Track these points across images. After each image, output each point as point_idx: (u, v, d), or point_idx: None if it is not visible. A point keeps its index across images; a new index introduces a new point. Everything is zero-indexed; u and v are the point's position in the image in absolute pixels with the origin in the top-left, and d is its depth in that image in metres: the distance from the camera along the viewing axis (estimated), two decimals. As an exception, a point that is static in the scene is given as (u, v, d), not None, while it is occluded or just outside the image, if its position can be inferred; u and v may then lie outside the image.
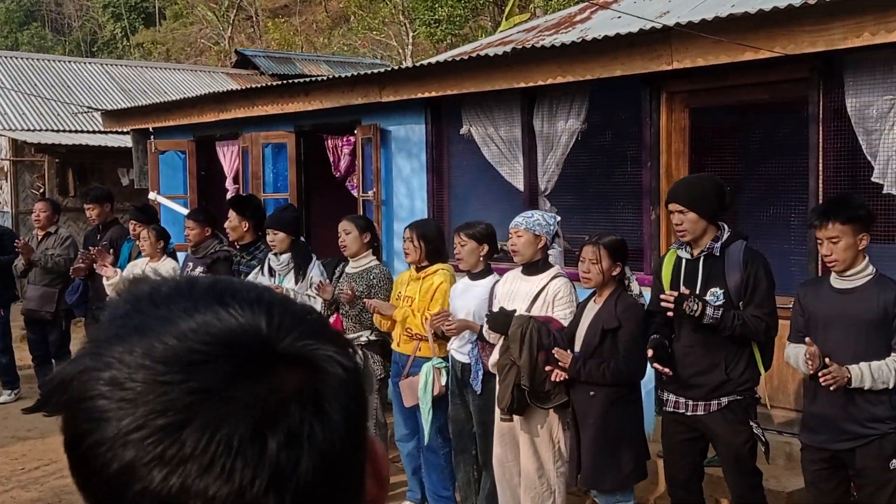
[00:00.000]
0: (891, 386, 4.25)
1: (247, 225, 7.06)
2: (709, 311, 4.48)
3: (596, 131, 7.34)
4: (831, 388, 4.24)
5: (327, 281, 6.36)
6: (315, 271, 6.43)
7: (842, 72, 5.64)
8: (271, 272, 6.58)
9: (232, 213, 7.11)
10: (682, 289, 4.58)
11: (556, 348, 4.84)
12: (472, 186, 8.33)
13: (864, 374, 4.21)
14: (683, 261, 4.77)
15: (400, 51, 27.62)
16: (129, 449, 0.68)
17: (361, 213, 8.37)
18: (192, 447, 0.67)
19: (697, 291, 4.64)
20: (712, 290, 4.62)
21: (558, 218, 5.39)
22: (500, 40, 9.99)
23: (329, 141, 9.38)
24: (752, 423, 4.65)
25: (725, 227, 4.73)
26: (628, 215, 7.03)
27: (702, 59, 5.95)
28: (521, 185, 7.47)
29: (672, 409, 4.81)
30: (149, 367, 0.70)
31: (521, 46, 7.02)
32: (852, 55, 5.51)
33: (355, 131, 8.83)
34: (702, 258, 4.69)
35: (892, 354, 4.25)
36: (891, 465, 4.29)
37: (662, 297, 4.61)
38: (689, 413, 4.73)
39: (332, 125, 9.21)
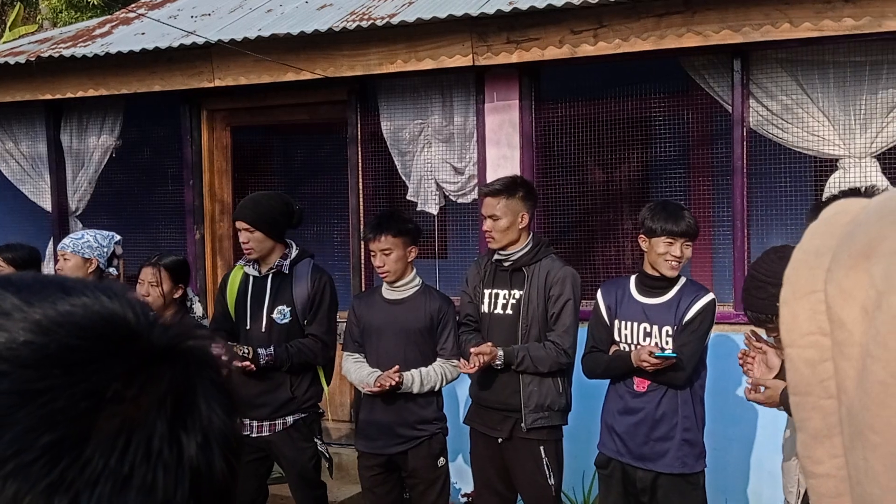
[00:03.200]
0: (436, 388, 4.56)
1: None
2: (263, 356, 4.51)
3: (133, 148, 7.00)
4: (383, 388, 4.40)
5: None
6: None
7: (377, 96, 5.97)
8: None
9: None
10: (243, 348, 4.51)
11: None
12: (-12, 207, 7.51)
13: (414, 378, 4.47)
14: (251, 278, 4.72)
15: None
16: (9, 482, 0.51)
17: None
18: (102, 463, 0.53)
19: (266, 308, 4.63)
20: (279, 307, 4.64)
21: (117, 237, 5.04)
22: (10, 51, 9.07)
23: None
24: (316, 440, 4.73)
25: (293, 244, 4.77)
26: (171, 234, 6.79)
27: (244, 78, 5.96)
28: (48, 205, 6.90)
29: None
30: (9, 374, 0.53)
31: (46, 56, 6.47)
32: (387, 81, 5.86)
33: None
34: (270, 276, 4.68)
35: (438, 360, 4.57)
36: (438, 462, 4.61)
37: None
38: (254, 435, 4.67)
39: None
